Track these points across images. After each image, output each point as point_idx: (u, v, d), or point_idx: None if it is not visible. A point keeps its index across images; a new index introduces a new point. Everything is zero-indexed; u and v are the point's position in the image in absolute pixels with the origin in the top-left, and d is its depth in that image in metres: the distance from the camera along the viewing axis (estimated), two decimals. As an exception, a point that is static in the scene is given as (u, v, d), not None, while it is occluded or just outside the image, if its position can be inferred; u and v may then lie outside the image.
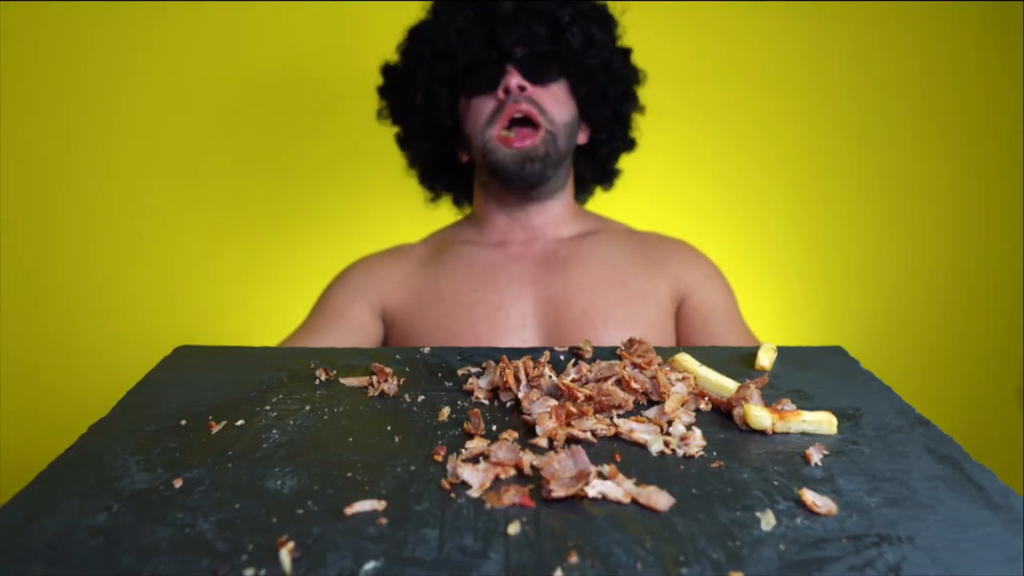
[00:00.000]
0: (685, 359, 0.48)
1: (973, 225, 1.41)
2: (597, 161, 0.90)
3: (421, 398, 0.47)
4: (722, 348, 0.56)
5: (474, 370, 0.52)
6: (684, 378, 0.45)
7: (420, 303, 0.81)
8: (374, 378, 0.49)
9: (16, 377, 1.22)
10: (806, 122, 1.34)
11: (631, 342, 0.52)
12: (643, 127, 0.93)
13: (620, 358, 0.51)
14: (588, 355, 0.55)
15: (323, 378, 0.50)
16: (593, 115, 0.86)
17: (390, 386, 0.48)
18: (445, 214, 0.98)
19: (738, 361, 0.53)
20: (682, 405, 0.42)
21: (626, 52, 0.86)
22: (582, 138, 0.87)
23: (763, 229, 1.31)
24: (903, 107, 1.34)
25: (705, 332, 0.77)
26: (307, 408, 0.45)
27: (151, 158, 1.18)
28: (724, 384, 0.44)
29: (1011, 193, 1.38)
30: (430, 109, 0.83)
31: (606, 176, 0.93)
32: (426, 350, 0.56)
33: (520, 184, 0.79)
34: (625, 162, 0.94)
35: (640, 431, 0.40)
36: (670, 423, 0.41)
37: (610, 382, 0.46)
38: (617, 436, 0.41)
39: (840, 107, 1.34)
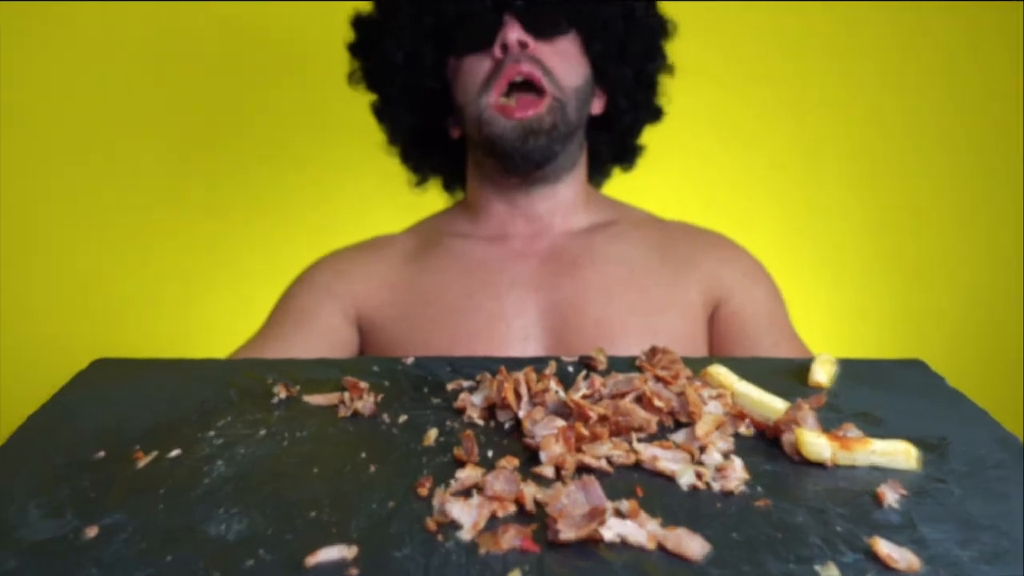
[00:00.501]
0: (720, 372, 0.43)
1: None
2: (615, 134, 0.84)
3: (403, 418, 0.44)
4: (767, 360, 0.52)
5: (466, 384, 0.49)
6: (719, 395, 0.41)
7: (403, 309, 0.76)
8: (346, 395, 0.45)
9: None
10: (875, 86, 1.17)
11: (653, 351, 0.49)
12: (672, 92, 0.85)
13: (640, 370, 0.48)
14: (602, 366, 0.51)
15: (282, 396, 0.46)
16: (610, 77, 0.80)
17: (365, 404, 0.44)
18: (433, 200, 0.91)
19: (787, 375, 0.49)
20: (717, 428, 0.39)
21: None
22: (597, 107, 0.80)
23: (821, 218, 1.17)
24: (1002, 66, 1.16)
25: (745, 342, 0.72)
26: (261, 433, 0.42)
27: (61, 131, 1.08)
28: (770, 403, 0.40)
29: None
30: (412, 72, 0.77)
31: (626, 153, 0.87)
32: (409, 361, 0.53)
33: (522, 163, 0.73)
34: (649, 136, 0.87)
35: (666, 459, 0.36)
36: (703, 450, 0.37)
37: (628, 399, 0.42)
38: (638, 465, 0.37)
39: (920, 69, 1.17)
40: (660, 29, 0.82)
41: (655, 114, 0.86)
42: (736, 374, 0.44)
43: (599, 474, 0.37)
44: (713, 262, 0.77)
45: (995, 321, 1.23)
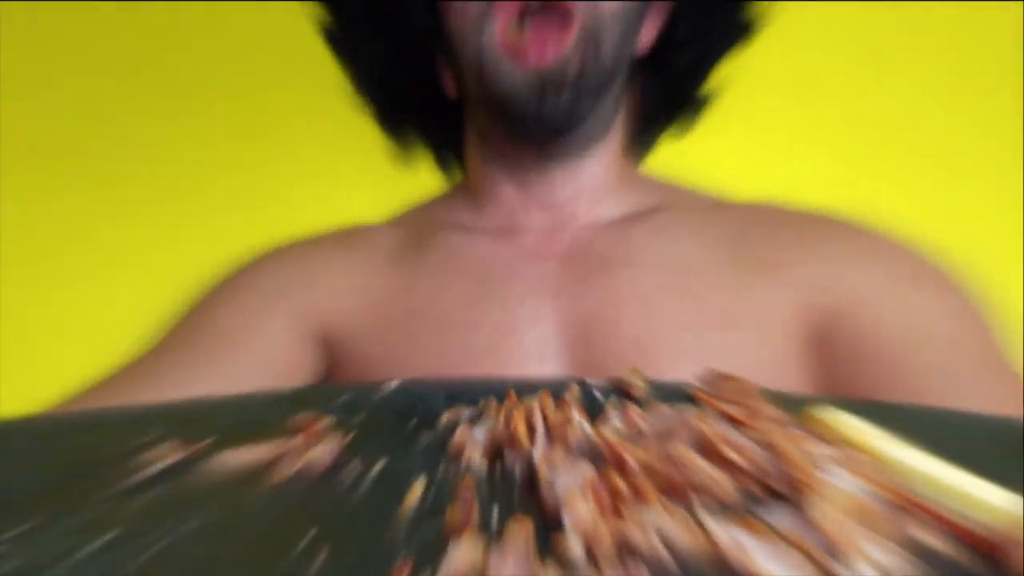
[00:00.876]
0: (840, 421, 0.32)
1: None
2: (671, 77, 0.70)
3: (378, 467, 0.35)
4: (950, 412, 0.37)
5: (467, 413, 0.41)
6: (844, 456, 0.29)
7: (385, 322, 0.66)
8: (295, 440, 0.36)
9: None
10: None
11: (716, 377, 0.41)
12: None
13: (695, 401, 0.39)
14: (639, 393, 0.43)
15: (172, 460, 0.35)
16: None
17: (324, 451, 0.35)
18: (425, 181, 0.80)
19: (999, 445, 0.35)
20: (859, 518, 0.26)
21: None
22: (645, 37, 0.67)
23: None
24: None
25: (893, 383, 0.54)
26: (108, 536, 0.28)
27: None
28: (973, 492, 0.27)
29: None
30: None
31: (684, 104, 0.74)
32: (391, 386, 0.45)
33: (537, 129, 0.63)
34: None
35: (761, 554, 0.25)
36: (838, 556, 0.25)
37: (680, 443, 0.33)
38: (715, 554, 0.27)
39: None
40: None
41: (739, 35, 0.70)
42: (875, 427, 0.32)
43: (649, 561, 0.26)
44: (820, 256, 0.62)
45: None
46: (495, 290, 0.66)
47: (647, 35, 0.68)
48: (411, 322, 0.66)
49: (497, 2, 0.60)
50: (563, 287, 0.66)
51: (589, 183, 0.70)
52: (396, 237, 0.73)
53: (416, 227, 0.75)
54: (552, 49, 0.59)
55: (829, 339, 0.59)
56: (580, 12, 0.59)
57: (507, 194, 0.72)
